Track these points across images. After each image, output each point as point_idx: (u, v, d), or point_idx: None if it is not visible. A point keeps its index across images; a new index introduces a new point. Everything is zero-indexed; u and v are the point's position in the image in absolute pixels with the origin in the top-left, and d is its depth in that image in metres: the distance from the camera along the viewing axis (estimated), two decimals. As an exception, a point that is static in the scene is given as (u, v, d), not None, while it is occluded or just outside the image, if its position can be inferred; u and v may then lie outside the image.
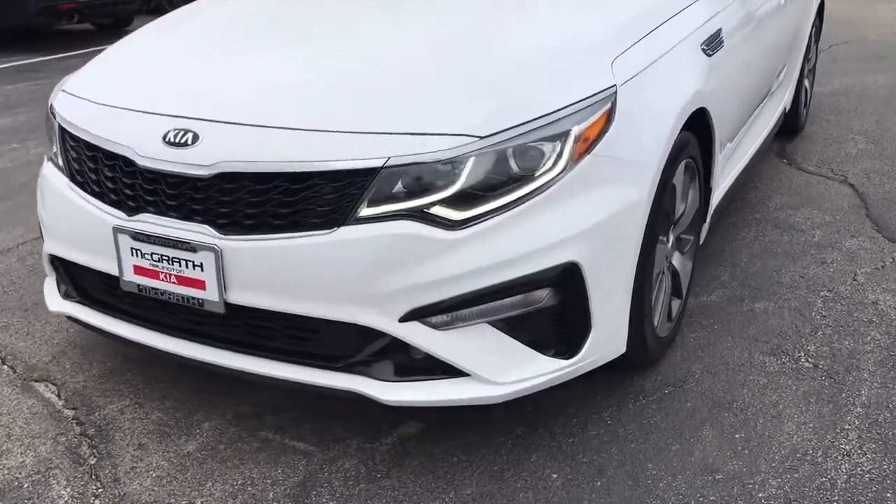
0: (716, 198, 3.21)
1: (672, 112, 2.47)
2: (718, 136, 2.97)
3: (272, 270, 2.10)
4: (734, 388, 2.62)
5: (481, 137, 2.07)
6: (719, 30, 2.96)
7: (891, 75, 6.70)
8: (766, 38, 3.75)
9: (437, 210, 2.05)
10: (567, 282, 2.16)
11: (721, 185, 3.34)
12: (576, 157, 2.16)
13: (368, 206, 2.05)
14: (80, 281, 2.55)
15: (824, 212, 4.00)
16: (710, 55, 2.83)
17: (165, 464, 2.36)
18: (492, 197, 2.08)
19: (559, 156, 2.13)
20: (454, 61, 2.32)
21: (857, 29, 8.79)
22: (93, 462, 2.37)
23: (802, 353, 2.81)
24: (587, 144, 2.19)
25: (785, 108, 4.69)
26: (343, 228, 2.05)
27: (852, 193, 4.25)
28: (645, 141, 2.35)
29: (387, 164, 2.04)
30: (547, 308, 2.17)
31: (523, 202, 2.10)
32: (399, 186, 2.06)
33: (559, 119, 2.15)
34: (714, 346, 2.87)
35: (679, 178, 2.63)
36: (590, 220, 2.18)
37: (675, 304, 2.85)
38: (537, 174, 2.12)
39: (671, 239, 2.73)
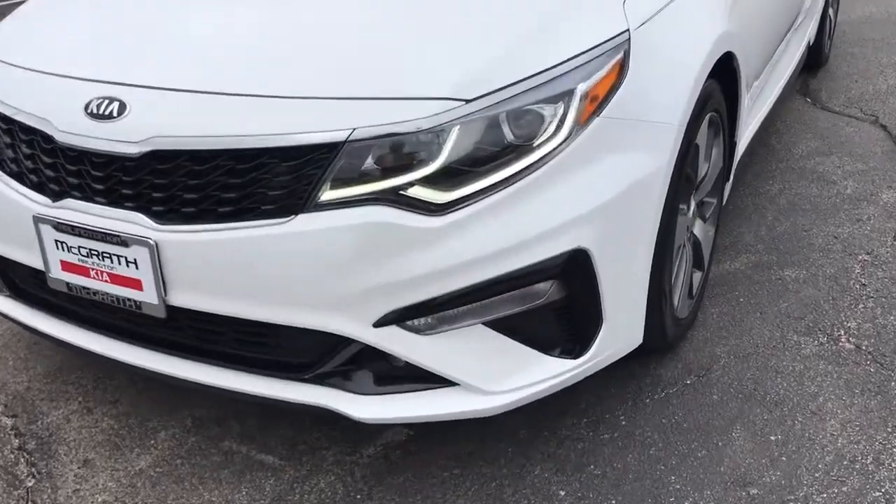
0: (740, 150, 2.83)
1: (696, 60, 2.08)
2: (745, 81, 2.57)
3: (218, 267, 1.75)
4: (766, 377, 2.29)
5: (467, 101, 1.69)
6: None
7: (917, 0, 6.21)
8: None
9: (417, 191, 1.69)
10: (574, 272, 1.81)
11: (745, 133, 2.96)
12: (582, 121, 1.78)
13: (332, 188, 1.69)
14: (9, 274, 2.20)
15: (856, 158, 3.61)
16: (734, -11, 2.42)
17: (113, 485, 2.04)
18: (482, 173, 1.72)
19: (562, 120, 1.76)
20: (431, 11, 1.92)
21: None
22: (30, 484, 2.06)
23: (842, 332, 2.47)
24: (596, 104, 1.81)
25: (809, 42, 4.27)
26: (301, 217, 1.69)
27: (885, 136, 3.85)
28: (664, 96, 1.96)
29: (352, 137, 1.66)
30: (551, 303, 1.82)
31: (520, 178, 1.73)
32: (369, 163, 1.69)
33: (561, 75, 1.77)
34: (741, 323, 2.53)
35: (703, 135, 2.25)
36: (600, 197, 1.81)
37: (697, 276, 2.50)
38: (536, 143, 1.75)
39: (692, 206, 2.36)
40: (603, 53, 1.83)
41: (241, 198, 1.72)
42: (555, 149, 1.75)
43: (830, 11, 4.76)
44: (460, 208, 1.70)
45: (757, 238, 3.00)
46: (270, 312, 1.75)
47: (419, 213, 1.68)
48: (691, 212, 2.35)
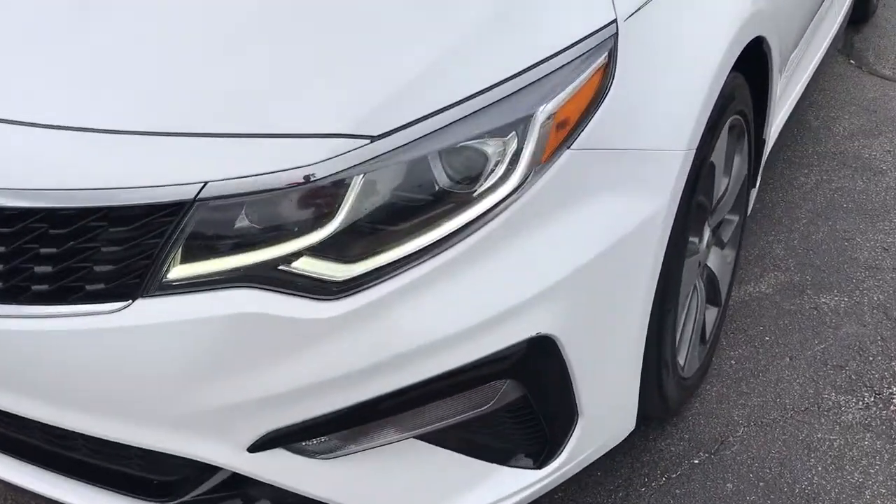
0: (769, 146, 2.28)
1: (713, 55, 1.53)
2: (778, 67, 2.01)
3: (33, 364, 1.26)
4: (796, 456, 1.79)
5: (372, 139, 1.18)
6: None
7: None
8: None
9: (304, 265, 1.19)
10: (536, 365, 1.31)
11: (776, 125, 2.40)
12: (544, 157, 1.26)
13: (184, 261, 1.19)
14: None
15: (909, 140, 3.04)
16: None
17: None
18: (400, 236, 1.21)
19: (515, 159, 1.24)
20: (328, 16, 1.35)
21: None
22: None
23: (895, 389, 1.95)
24: (565, 132, 1.28)
25: (855, -9, 3.64)
26: (141, 303, 1.19)
27: (944, 109, 3.26)
28: (667, 111, 1.43)
29: (204, 194, 1.16)
30: (505, 405, 1.33)
31: (456, 241, 1.22)
32: (236, 227, 1.19)
33: (511, 95, 1.24)
34: (766, 373, 2.02)
35: (720, 150, 1.72)
36: (571, 263, 1.30)
37: (711, 314, 1.99)
38: (478, 193, 1.23)
39: (706, 236, 1.83)
40: (576, 58, 1.29)
41: (60, 273, 1.22)
42: (504, 199, 1.23)
43: (880, -46, 4.11)
44: (369, 286, 1.20)
45: (788, 249, 2.46)
46: (105, 427, 1.27)
47: (307, 298, 1.19)
48: (705, 242, 1.82)
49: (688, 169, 1.45)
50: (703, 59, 1.51)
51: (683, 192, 1.46)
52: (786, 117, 2.53)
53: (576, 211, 1.30)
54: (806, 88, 2.77)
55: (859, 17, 4.00)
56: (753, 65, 1.85)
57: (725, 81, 1.58)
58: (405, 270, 1.21)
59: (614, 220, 1.34)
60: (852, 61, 3.74)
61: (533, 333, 1.27)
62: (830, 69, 3.63)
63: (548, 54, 1.27)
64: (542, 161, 1.25)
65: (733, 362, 2.06)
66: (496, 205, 1.23)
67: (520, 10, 1.31)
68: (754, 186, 2.18)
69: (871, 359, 2.05)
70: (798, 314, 2.21)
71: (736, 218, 2.02)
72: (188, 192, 1.15)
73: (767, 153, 2.26)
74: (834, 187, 2.77)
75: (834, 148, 3.01)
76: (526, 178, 1.24)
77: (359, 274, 1.19)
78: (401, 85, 1.21)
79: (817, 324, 2.17)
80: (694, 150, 1.46)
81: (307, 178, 1.16)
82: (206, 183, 1.15)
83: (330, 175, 1.16)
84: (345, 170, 1.17)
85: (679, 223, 1.47)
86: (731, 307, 2.19)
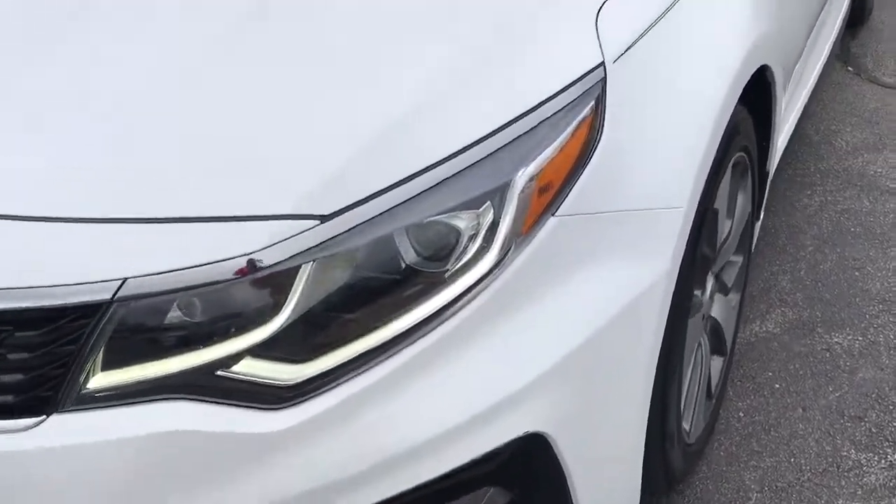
0: (773, 168, 2.11)
1: (715, 92, 1.36)
2: (782, 93, 1.85)
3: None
4: (817, 529, 1.62)
5: (323, 218, 1.00)
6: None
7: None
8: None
9: (247, 367, 1.01)
10: (526, 468, 1.13)
11: (781, 138, 2.23)
12: (525, 229, 1.09)
13: (106, 368, 1.01)
14: None
15: (915, 155, 2.88)
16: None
17: None
18: (359, 327, 1.03)
19: (491, 233, 1.06)
20: (277, 73, 1.16)
21: None
22: None
23: (920, 444, 1.79)
24: (549, 197, 1.11)
25: (851, -4, 3.48)
26: (57, 418, 1.01)
27: (949, 119, 3.10)
28: (666, 163, 1.25)
29: (123, 293, 0.97)
30: (489, 512, 1.15)
31: (426, 332, 1.05)
32: (170, 323, 1.01)
33: (485, 159, 1.06)
34: (777, 426, 1.85)
35: (724, 193, 1.54)
36: (561, 347, 1.12)
37: (717, 364, 1.81)
38: (450, 273, 1.05)
39: (710, 286, 1.66)
40: (559, 110, 1.12)
41: (-39, 384, 1.04)
42: (482, 279, 1.06)
43: (874, -45, 3.95)
44: (325, 390, 1.02)
45: (795, 281, 2.29)
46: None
47: (252, 408, 1.01)
48: (708, 293, 1.65)
49: (690, 225, 1.28)
50: (704, 98, 1.34)
51: (686, 250, 1.28)
52: (788, 138, 2.37)
53: (564, 287, 1.12)
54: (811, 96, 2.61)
55: (855, 19, 3.84)
56: (754, 90, 1.68)
57: (729, 120, 1.41)
58: (368, 368, 1.03)
59: (609, 294, 1.17)
60: (850, 68, 3.57)
61: (521, 433, 1.10)
62: (828, 77, 3.46)
63: (526, 108, 1.09)
64: (522, 232, 1.08)
65: (742, 415, 1.89)
66: (472, 286, 1.06)
67: (492, 58, 1.14)
68: (758, 219, 2.01)
69: (891, 408, 1.88)
70: (809, 357, 2.04)
71: (740, 258, 1.85)
72: (105, 291, 0.97)
73: (770, 181, 2.09)
74: (840, 209, 2.60)
75: (837, 165, 2.85)
76: (505, 254, 1.07)
77: (313, 375, 1.02)
78: (356, 153, 1.04)
79: (831, 367, 2.00)
80: (696, 203, 1.29)
81: (246, 268, 0.98)
82: (125, 280, 0.97)
83: (273, 264, 0.99)
84: (290, 257, 0.99)
85: (682, 284, 1.30)
86: (736, 350, 2.02)
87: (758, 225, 2.02)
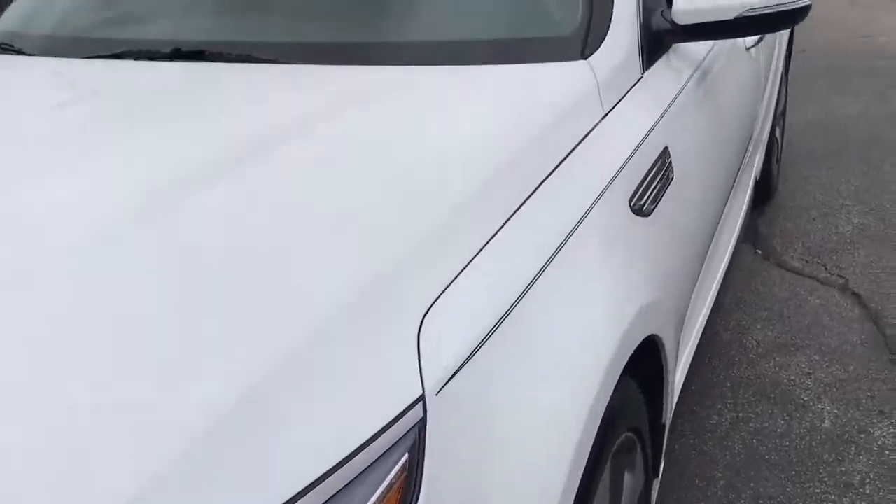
0: (670, 415, 1.86)
1: (584, 392, 1.09)
2: (675, 358, 1.61)
3: None
4: None
5: None
6: (664, 151, 1.58)
7: (867, 100, 5.43)
8: (733, 113, 2.41)
9: None
10: None
11: (680, 369, 1.99)
12: None
13: None
14: None
15: (829, 357, 2.68)
16: (650, 210, 1.45)
17: None
18: None
19: None
20: None
21: (812, 32, 7.54)
22: None
23: None
24: None
25: (756, 177, 3.38)
26: None
27: (861, 313, 2.94)
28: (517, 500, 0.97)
29: None
30: None
31: None
32: None
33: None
34: None
35: (604, 491, 1.26)
36: None
37: None
38: None
39: None
40: (352, 480, 0.83)
41: None
42: None
43: (777, 132, 3.92)
44: None
45: (706, 530, 2.01)
46: None
47: None
48: None
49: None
50: (568, 405, 1.08)
51: None
52: (690, 358, 2.13)
53: None
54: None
55: (762, 196, 3.76)
56: (644, 352, 1.44)
57: (605, 411, 1.15)
58: None
59: None
60: (758, 251, 3.45)
61: None
62: (737, 261, 3.31)
63: (302, 486, 0.80)
64: None
65: None
66: None
67: (253, 421, 0.84)
68: (657, 476, 1.74)
69: None
70: None
71: (635, 536, 1.56)
72: None
73: (667, 436, 1.83)
74: (752, 428, 2.36)
75: (748, 371, 2.63)
76: None
77: None
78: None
79: None
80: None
81: None
82: None
83: None
84: None
85: None
86: None
87: (656, 483, 1.75)
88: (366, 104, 1.38)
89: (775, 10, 1.71)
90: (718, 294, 2.63)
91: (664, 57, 1.79)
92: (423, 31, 1.61)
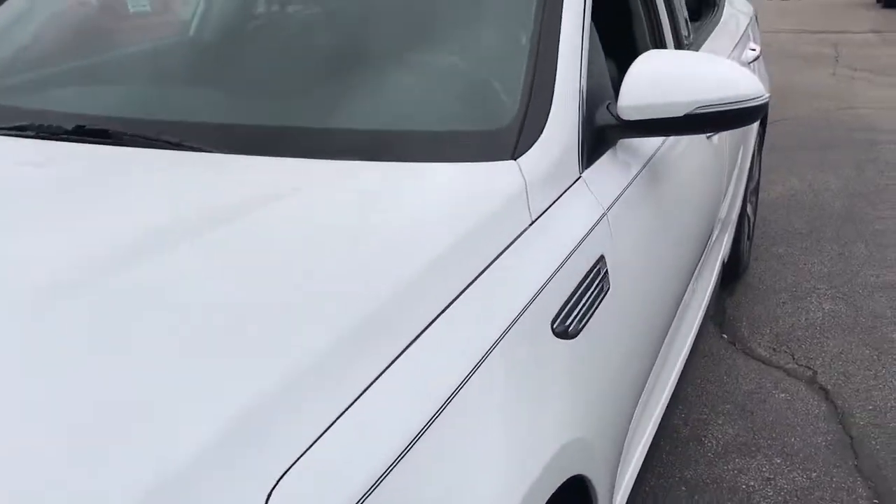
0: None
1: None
2: (608, 498, 1.45)
3: None
4: None
5: None
6: (600, 259, 1.44)
7: (846, 174, 5.36)
8: (693, 199, 2.29)
9: None
10: None
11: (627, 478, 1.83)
12: None
13: None
14: None
15: (791, 461, 2.52)
16: (576, 330, 1.31)
17: None
18: None
19: None
20: None
21: (792, 101, 7.53)
22: None
23: None
24: None
25: (724, 259, 3.26)
26: None
27: (828, 410, 2.79)
28: None
29: None
30: None
31: None
32: None
33: None
34: None
35: None
36: None
37: None
38: None
39: None
40: None
41: None
42: None
43: (749, 208, 3.81)
44: None
45: None
46: None
47: None
48: None
49: None
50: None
51: None
52: (641, 460, 1.98)
53: None
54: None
55: (731, 274, 3.63)
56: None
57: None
58: None
59: None
60: (725, 335, 3.31)
61: None
62: (700, 345, 3.17)
63: None
64: None
65: None
66: None
67: None
68: None
69: None
70: None
71: None
72: None
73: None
74: (706, 542, 2.20)
75: (706, 472, 2.48)
76: None
77: None
78: None
79: None
80: None
81: None
82: None
83: None
84: None
85: None
86: None
87: None
88: (263, 204, 1.24)
89: (729, 108, 1.59)
90: (681, 380, 2.49)
91: (610, 151, 1.66)
92: (331, 120, 1.48)
